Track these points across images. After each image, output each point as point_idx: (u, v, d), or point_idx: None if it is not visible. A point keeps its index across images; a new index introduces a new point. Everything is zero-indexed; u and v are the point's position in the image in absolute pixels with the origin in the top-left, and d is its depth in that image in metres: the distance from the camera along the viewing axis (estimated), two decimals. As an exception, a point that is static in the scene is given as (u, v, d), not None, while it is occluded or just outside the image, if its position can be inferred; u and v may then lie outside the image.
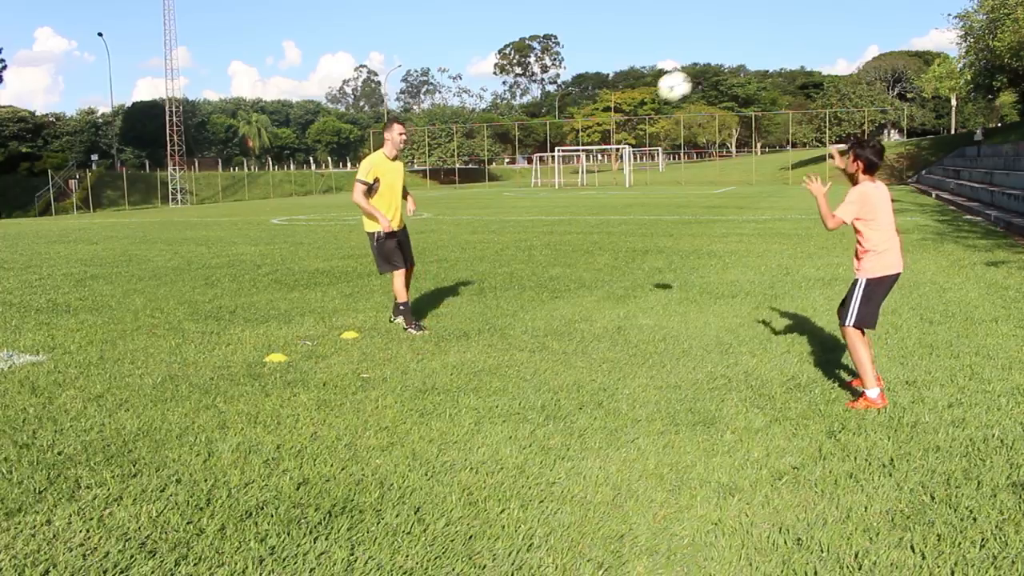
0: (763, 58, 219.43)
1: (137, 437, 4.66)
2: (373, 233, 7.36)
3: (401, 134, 7.26)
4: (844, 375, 5.70)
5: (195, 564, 3.19)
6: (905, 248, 13.20)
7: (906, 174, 51.46)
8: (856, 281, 5.25)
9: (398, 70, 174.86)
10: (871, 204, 5.16)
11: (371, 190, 7.26)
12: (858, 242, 5.26)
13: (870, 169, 5.22)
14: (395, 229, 7.41)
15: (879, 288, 5.21)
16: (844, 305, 5.30)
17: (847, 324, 5.19)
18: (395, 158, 7.36)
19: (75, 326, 8.01)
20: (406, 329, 7.29)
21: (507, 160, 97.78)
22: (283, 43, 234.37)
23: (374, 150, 7.90)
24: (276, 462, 4.25)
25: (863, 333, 5.20)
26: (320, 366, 6.24)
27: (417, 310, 8.57)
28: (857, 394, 5.20)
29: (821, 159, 61.19)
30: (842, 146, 5.35)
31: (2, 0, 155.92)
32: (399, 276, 7.39)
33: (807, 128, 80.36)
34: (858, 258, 5.28)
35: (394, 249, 7.39)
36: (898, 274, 5.27)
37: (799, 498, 3.71)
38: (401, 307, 7.41)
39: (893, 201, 5.37)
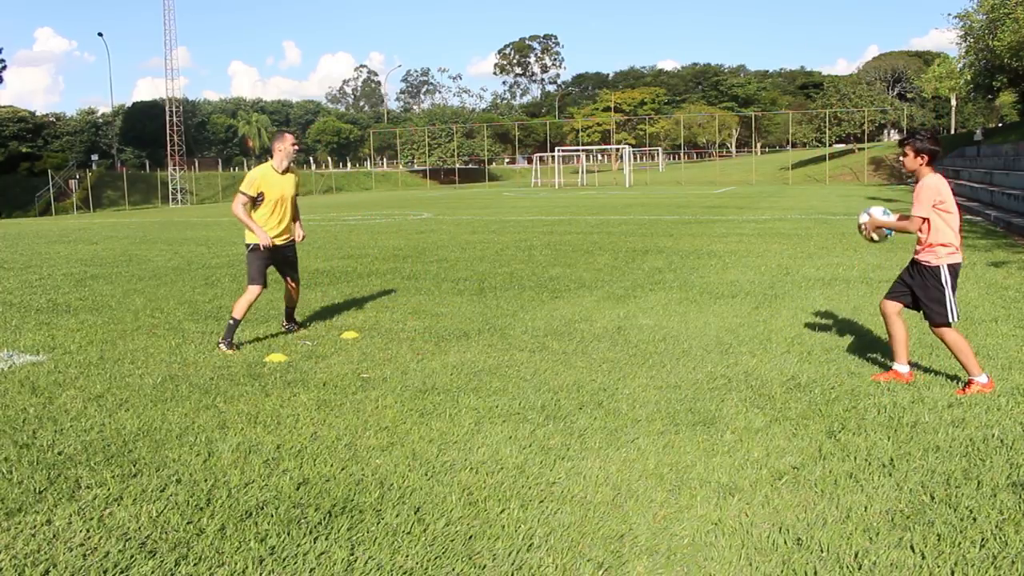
0: (763, 58, 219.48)
1: (137, 437, 4.67)
2: (250, 244, 6.99)
3: (293, 144, 6.97)
4: (844, 375, 5.69)
5: (195, 564, 3.19)
6: (905, 248, 13.16)
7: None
8: (936, 270, 5.25)
9: (398, 70, 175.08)
10: (945, 194, 5.23)
11: (255, 203, 6.93)
12: (926, 234, 5.27)
13: (934, 160, 5.26)
14: (278, 244, 7.08)
15: (956, 275, 5.30)
16: (926, 304, 5.30)
17: (951, 321, 5.26)
18: (285, 171, 7.03)
19: (75, 326, 8.01)
20: (219, 344, 6.83)
21: (507, 160, 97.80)
22: (283, 43, 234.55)
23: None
24: (276, 462, 4.25)
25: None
26: (320, 366, 6.24)
27: (418, 310, 8.57)
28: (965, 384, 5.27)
29: (821, 159, 61.27)
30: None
31: (2, 0, 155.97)
32: (252, 292, 6.93)
33: (807, 128, 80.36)
34: (926, 247, 5.29)
35: (263, 267, 6.99)
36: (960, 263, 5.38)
37: (799, 498, 3.71)
38: (231, 322, 6.89)
39: (889, 201, 5.39)
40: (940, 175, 5.29)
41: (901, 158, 5.38)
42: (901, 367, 5.51)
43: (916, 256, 5.38)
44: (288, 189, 7.06)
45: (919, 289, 5.34)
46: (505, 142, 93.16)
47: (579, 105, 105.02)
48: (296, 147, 7.03)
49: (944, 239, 5.23)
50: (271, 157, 7.06)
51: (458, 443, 4.49)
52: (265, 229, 6.93)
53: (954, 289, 5.27)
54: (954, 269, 5.26)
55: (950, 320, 5.25)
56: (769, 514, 3.56)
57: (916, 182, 5.35)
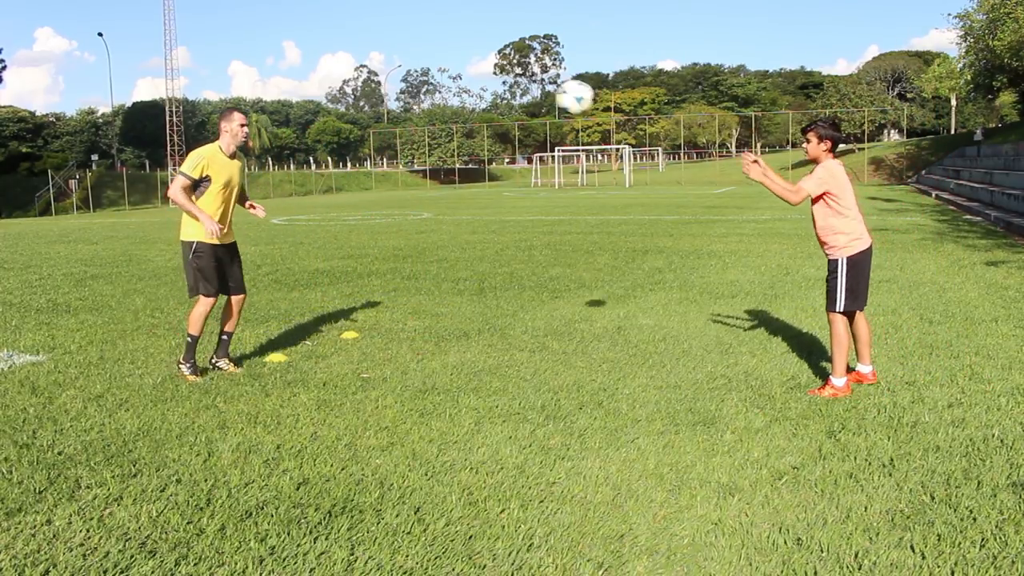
0: (763, 58, 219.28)
1: (137, 437, 4.67)
2: (190, 243, 5.98)
3: (243, 126, 5.97)
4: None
5: (195, 564, 3.19)
6: (905, 248, 13.18)
7: (906, 174, 51.48)
8: (835, 263, 5.30)
9: (398, 70, 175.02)
10: (840, 181, 5.25)
11: (197, 189, 5.91)
12: (823, 224, 5.32)
13: (835, 148, 5.29)
14: (221, 243, 6.04)
15: (862, 265, 5.30)
16: (828, 291, 5.37)
17: (836, 309, 5.28)
18: (233, 155, 6.01)
19: (75, 326, 8.01)
20: (179, 365, 6.03)
21: (507, 160, 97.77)
22: (283, 43, 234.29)
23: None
24: (276, 462, 4.25)
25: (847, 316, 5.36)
26: (320, 366, 6.24)
27: (418, 310, 8.57)
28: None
29: (821, 159, 61.16)
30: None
31: (2, 0, 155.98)
32: (205, 303, 5.98)
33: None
34: (827, 241, 5.35)
35: (212, 268, 5.98)
36: (871, 246, 5.36)
37: (799, 498, 3.71)
38: (188, 339, 6.00)
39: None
40: (840, 162, 5.31)
41: (804, 144, 5.39)
42: (864, 367, 5.53)
43: (824, 250, 5.43)
44: (236, 176, 6.04)
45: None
46: (505, 142, 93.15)
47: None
48: (245, 128, 6.00)
49: (842, 228, 5.25)
50: (218, 138, 6.08)
51: (458, 443, 4.49)
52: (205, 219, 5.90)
53: (855, 277, 5.25)
54: (856, 258, 5.25)
55: (836, 308, 5.28)
56: (769, 514, 3.56)
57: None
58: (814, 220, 5.40)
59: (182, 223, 6.05)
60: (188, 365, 6.00)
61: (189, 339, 6.02)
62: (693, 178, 62.83)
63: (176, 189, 5.86)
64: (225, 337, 6.26)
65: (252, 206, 6.35)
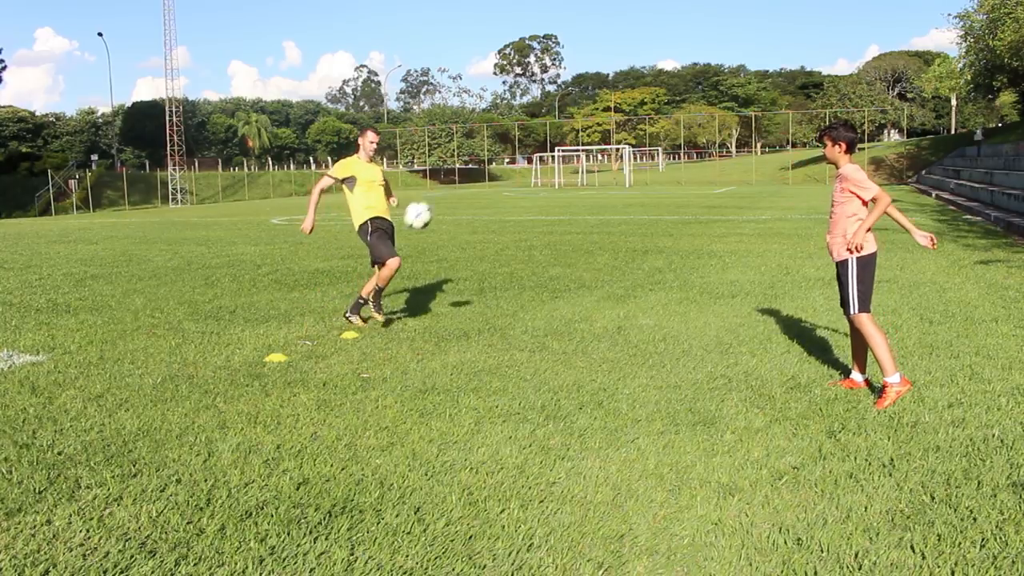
0: (763, 58, 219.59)
1: (137, 437, 4.67)
2: (363, 224, 7.69)
3: (372, 142, 7.75)
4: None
5: (195, 564, 3.19)
6: (905, 248, 13.16)
7: (906, 174, 51.49)
8: (846, 263, 5.28)
9: (398, 70, 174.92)
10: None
11: (349, 184, 7.69)
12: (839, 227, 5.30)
13: (852, 148, 5.32)
14: (383, 217, 7.78)
15: (871, 267, 5.29)
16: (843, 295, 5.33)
17: (855, 311, 5.23)
18: (371, 160, 7.86)
19: (75, 326, 8.01)
20: (348, 317, 7.72)
21: (507, 160, 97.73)
22: (283, 43, 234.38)
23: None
24: (276, 462, 4.25)
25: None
26: (320, 366, 6.24)
27: (418, 310, 8.57)
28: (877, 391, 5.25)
29: (821, 159, 61.24)
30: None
31: (2, 0, 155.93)
32: (391, 266, 7.53)
33: (807, 128, 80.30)
34: (837, 243, 5.33)
35: (384, 239, 7.67)
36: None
37: (799, 498, 3.71)
38: (362, 299, 7.71)
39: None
40: (857, 165, 5.32)
41: (822, 149, 5.43)
42: (857, 376, 5.49)
43: (832, 252, 5.40)
44: (376, 176, 7.80)
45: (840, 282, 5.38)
46: (505, 142, 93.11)
47: (579, 105, 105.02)
48: (373, 144, 7.75)
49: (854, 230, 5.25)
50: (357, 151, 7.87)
51: (458, 443, 4.49)
52: (363, 206, 7.66)
53: (866, 278, 5.23)
54: (866, 260, 5.23)
55: (854, 310, 5.23)
56: (769, 514, 3.56)
57: (839, 167, 5.36)
58: (832, 224, 5.35)
59: (353, 217, 7.77)
60: (374, 308, 7.61)
61: (362, 299, 7.68)
62: (693, 178, 62.83)
63: (317, 184, 7.85)
64: (378, 293, 7.79)
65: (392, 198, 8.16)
